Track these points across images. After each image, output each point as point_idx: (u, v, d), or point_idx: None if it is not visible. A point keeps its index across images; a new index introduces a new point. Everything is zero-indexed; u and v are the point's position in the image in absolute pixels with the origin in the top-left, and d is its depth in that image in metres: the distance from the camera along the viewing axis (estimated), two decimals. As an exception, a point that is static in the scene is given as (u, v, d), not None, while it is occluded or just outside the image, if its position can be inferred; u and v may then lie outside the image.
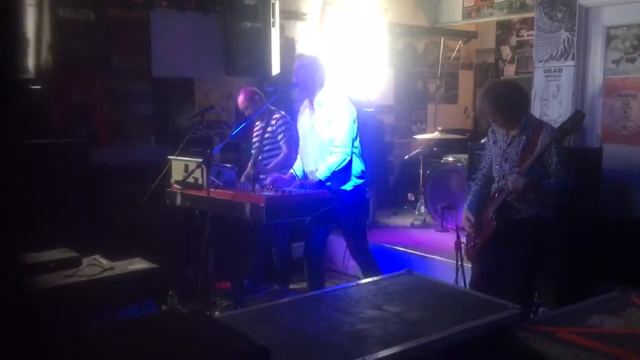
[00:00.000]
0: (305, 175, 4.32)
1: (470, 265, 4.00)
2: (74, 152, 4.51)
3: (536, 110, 5.40)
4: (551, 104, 5.44)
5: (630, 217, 4.79)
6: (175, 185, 4.26)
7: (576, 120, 3.37)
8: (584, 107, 5.24)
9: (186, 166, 4.13)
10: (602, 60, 5.26)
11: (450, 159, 6.49)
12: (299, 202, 3.88)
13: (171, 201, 4.33)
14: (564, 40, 5.35)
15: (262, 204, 3.67)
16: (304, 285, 4.76)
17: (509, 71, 8.63)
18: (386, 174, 7.36)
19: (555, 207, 3.55)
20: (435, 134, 6.98)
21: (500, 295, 2.81)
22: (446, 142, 7.16)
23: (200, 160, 3.79)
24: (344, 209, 4.18)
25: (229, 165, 4.28)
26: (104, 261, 3.19)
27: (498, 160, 3.62)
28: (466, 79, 8.97)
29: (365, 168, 4.36)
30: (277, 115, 5.01)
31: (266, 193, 3.87)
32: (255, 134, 5.14)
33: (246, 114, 5.04)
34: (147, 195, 4.05)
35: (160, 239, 4.43)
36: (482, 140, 5.44)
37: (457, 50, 8.49)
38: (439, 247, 5.52)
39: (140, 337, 1.94)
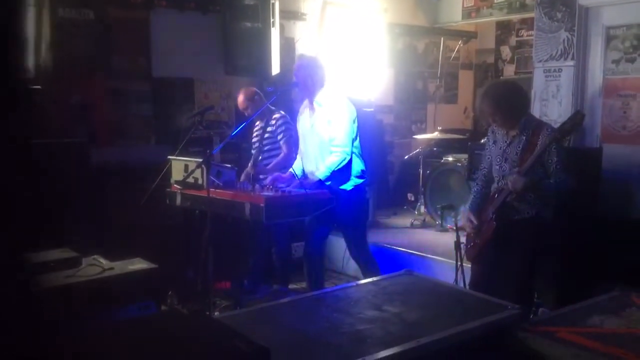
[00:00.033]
0: (305, 175, 4.31)
1: (469, 266, 4.00)
2: (74, 152, 4.50)
3: (536, 110, 5.40)
4: (551, 104, 5.44)
5: (630, 217, 4.78)
6: (175, 185, 4.26)
7: (576, 121, 3.37)
8: (584, 107, 5.24)
9: (186, 166, 4.13)
10: (601, 60, 5.26)
11: (450, 159, 6.48)
12: (298, 202, 3.88)
13: (171, 201, 4.33)
14: (563, 40, 5.35)
15: (261, 204, 3.67)
16: (304, 285, 4.76)
17: (509, 71, 8.63)
18: (386, 174, 7.37)
19: (555, 207, 3.55)
20: (435, 134, 6.98)
21: (500, 295, 2.81)
22: (446, 142, 7.16)
23: (200, 160, 3.79)
24: (344, 209, 4.18)
25: (229, 166, 4.29)
26: (103, 261, 3.19)
27: (498, 160, 3.62)
28: (466, 79, 8.97)
29: (365, 168, 4.36)
30: (276, 115, 5.01)
31: (266, 193, 3.87)
32: (255, 134, 5.14)
33: (246, 114, 5.04)
34: (147, 195, 4.06)
35: (160, 239, 4.42)
36: (482, 140, 5.44)
37: (457, 50, 8.49)
38: (438, 247, 5.51)
39: (140, 338, 1.94)
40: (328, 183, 4.16)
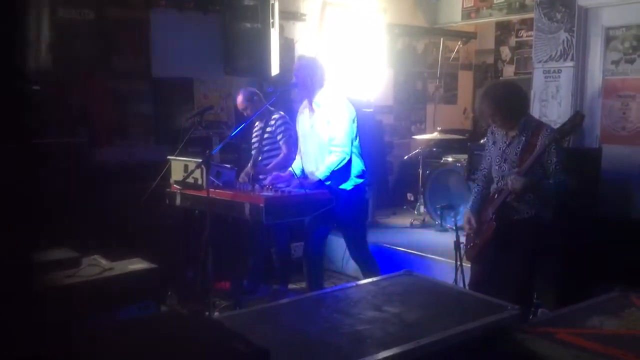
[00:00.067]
0: (305, 175, 4.32)
1: (469, 266, 4.00)
2: (74, 152, 4.51)
3: (535, 111, 5.40)
4: (550, 105, 5.45)
5: (630, 217, 4.79)
6: (174, 186, 4.26)
7: (576, 122, 3.38)
8: (583, 107, 5.24)
9: (186, 166, 4.13)
10: (601, 61, 5.26)
11: (450, 159, 6.49)
12: (298, 202, 3.88)
13: (171, 201, 4.33)
14: (563, 41, 5.35)
15: (261, 204, 3.67)
16: (303, 285, 4.76)
17: (508, 72, 8.63)
18: (385, 174, 7.37)
19: (554, 208, 3.56)
20: (435, 134, 6.98)
21: (499, 295, 2.81)
22: (445, 142, 7.17)
23: (200, 160, 3.79)
24: (343, 209, 4.18)
25: (229, 166, 4.29)
26: (103, 261, 3.19)
27: (497, 160, 3.62)
28: (465, 80, 8.97)
29: (365, 168, 4.36)
30: (276, 116, 5.01)
31: (265, 193, 3.88)
32: (254, 135, 5.14)
33: (245, 114, 5.04)
34: (147, 195, 4.05)
35: (160, 239, 4.43)
36: (482, 141, 5.44)
37: (457, 51, 8.50)
38: (438, 247, 5.52)
39: (140, 338, 1.94)
40: (328, 183, 4.16)
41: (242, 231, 4.73)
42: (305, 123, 4.35)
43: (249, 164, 4.95)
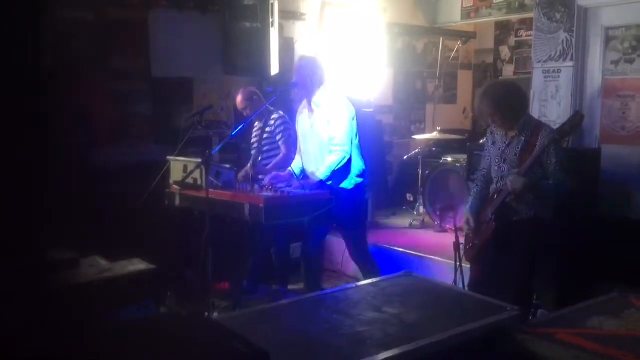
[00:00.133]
0: (305, 175, 4.31)
1: (469, 266, 4.00)
2: (74, 152, 4.50)
3: (535, 111, 5.40)
4: (550, 105, 5.45)
5: (629, 217, 4.79)
6: (174, 186, 4.26)
7: (575, 122, 3.38)
8: (583, 108, 5.24)
9: (185, 167, 4.13)
10: (601, 61, 5.26)
11: (449, 159, 6.49)
12: (298, 202, 3.88)
13: (170, 202, 4.33)
14: (562, 41, 5.35)
15: (261, 205, 3.67)
16: (303, 285, 4.76)
17: (508, 71, 8.63)
18: (385, 174, 7.36)
19: (554, 208, 3.56)
20: (434, 134, 6.98)
21: (499, 296, 2.81)
22: (445, 142, 7.16)
23: (199, 160, 3.79)
24: (343, 208, 4.18)
25: (228, 166, 4.29)
26: (102, 262, 3.18)
27: (497, 161, 3.62)
28: (465, 79, 8.97)
29: (365, 167, 4.36)
30: (275, 116, 5.01)
31: (265, 194, 3.87)
32: (254, 135, 5.14)
33: (245, 114, 5.04)
34: (146, 195, 4.05)
35: (159, 240, 4.42)
36: (481, 141, 5.44)
37: (456, 51, 8.50)
38: (437, 247, 5.52)
39: (139, 339, 1.93)
40: (329, 182, 4.16)
41: (242, 231, 4.72)
42: (305, 123, 4.35)
43: (249, 164, 4.94)
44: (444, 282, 3.45)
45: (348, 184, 4.25)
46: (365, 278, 4.08)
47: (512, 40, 8.56)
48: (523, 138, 3.49)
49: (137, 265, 3.17)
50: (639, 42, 5.04)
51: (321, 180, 4.12)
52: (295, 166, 4.42)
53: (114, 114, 5.42)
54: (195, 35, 5.78)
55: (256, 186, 4.07)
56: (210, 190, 3.76)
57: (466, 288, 3.83)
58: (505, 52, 8.68)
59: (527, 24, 7.85)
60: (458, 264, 4.16)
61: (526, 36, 8.11)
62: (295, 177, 4.28)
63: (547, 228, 3.55)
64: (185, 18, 5.74)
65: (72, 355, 1.78)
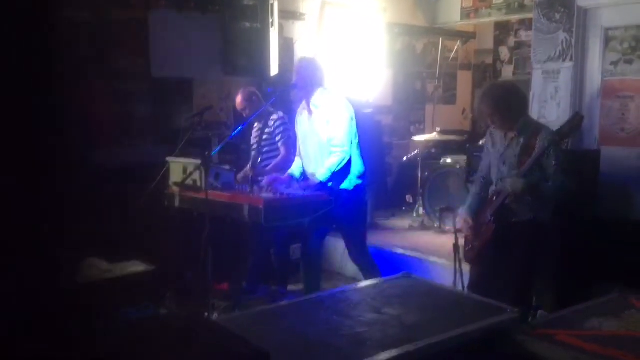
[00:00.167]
0: (306, 177, 4.31)
1: (468, 267, 3.99)
2: (73, 152, 4.49)
3: (534, 111, 5.40)
4: (549, 106, 5.44)
5: (628, 218, 4.79)
6: (173, 187, 4.25)
7: (574, 123, 3.38)
8: (582, 108, 5.24)
9: (184, 168, 4.13)
10: (600, 61, 5.26)
11: (449, 160, 6.48)
12: (297, 204, 3.88)
13: (170, 203, 4.32)
14: (562, 42, 5.35)
15: (260, 206, 3.67)
16: (302, 286, 4.76)
17: (507, 72, 8.63)
18: (384, 176, 7.36)
19: (553, 210, 3.56)
20: (434, 135, 6.97)
21: (498, 297, 2.81)
22: (444, 143, 7.16)
23: (199, 162, 3.79)
24: (343, 209, 4.18)
25: (227, 167, 4.29)
26: (102, 263, 3.18)
27: (496, 162, 3.62)
28: (464, 80, 8.97)
29: (365, 169, 4.36)
30: (274, 117, 5.00)
31: (265, 195, 3.87)
32: (253, 135, 5.14)
33: (244, 114, 5.03)
34: (146, 196, 4.05)
35: (159, 241, 4.42)
36: (481, 142, 5.44)
37: (456, 51, 8.50)
38: (437, 249, 5.51)
39: (138, 341, 1.93)
40: (330, 184, 4.16)
41: (241, 232, 4.72)
42: (304, 124, 4.34)
43: (248, 165, 4.94)
44: (444, 284, 3.45)
45: (348, 185, 4.25)
46: (366, 279, 4.08)
47: (512, 40, 8.56)
48: (522, 139, 3.50)
49: (137, 266, 3.18)
50: (638, 43, 5.04)
51: (321, 182, 4.12)
52: (296, 168, 4.41)
53: (114, 114, 5.42)
54: (195, 36, 5.77)
55: (255, 187, 4.07)
56: (210, 191, 3.76)
57: (466, 289, 3.83)
58: (504, 52, 8.68)
59: (526, 24, 7.85)
60: (457, 265, 4.16)
61: (526, 37, 8.11)
62: (295, 179, 4.28)
63: (546, 229, 3.55)
64: (185, 18, 5.73)
65: (71, 356, 1.78)
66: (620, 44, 5.15)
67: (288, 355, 2.16)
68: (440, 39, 8.19)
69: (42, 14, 1.64)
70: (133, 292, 3.04)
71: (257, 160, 4.89)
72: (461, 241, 3.96)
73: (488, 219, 3.59)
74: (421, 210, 6.67)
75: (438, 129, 7.09)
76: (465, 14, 7.65)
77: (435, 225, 6.35)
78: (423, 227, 6.53)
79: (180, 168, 4.18)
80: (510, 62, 8.61)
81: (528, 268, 3.57)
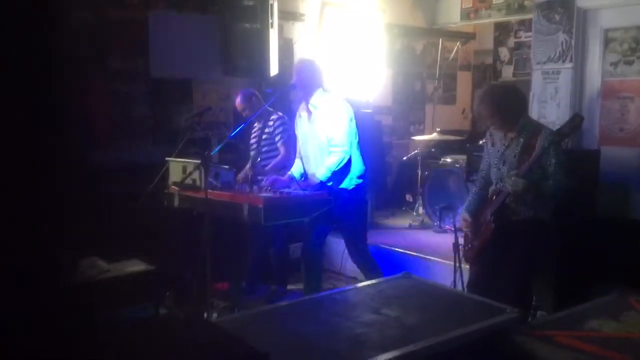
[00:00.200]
0: (306, 177, 4.32)
1: (468, 267, 4.00)
2: (72, 152, 4.49)
3: (534, 112, 5.40)
4: (549, 106, 5.45)
5: (628, 218, 4.80)
6: (172, 187, 4.25)
7: (574, 124, 3.38)
8: (582, 109, 5.25)
9: (184, 167, 4.12)
10: (600, 62, 5.26)
11: (449, 160, 6.49)
12: (297, 203, 3.88)
13: (169, 203, 4.32)
14: (562, 43, 5.35)
15: (260, 206, 3.67)
16: (302, 286, 4.76)
17: (507, 72, 8.63)
18: (384, 175, 7.36)
19: (553, 209, 3.56)
20: (434, 135, 6.98)
21: (498, 297, 2.82)
22: (444, 143, 7.17)
23: (198, 161, 3.78)
24: (344, 209, 4.18)
25: (227, 167, 4.28)
26: (101, 263, 3.19)
27: (496, 162, 3.63)
28: (464, 80, 8.97)
29: (365, 169, 4.36)
30: (274, 117, 5.01)
31: (264, 194, 3.87)
32: (253, 136, 5.14)
33: (244, 115, 5.04)
34: (145, 196, 4.05)
35: (158, 241, 4.42)
36: (480, 142, 5.45)
37: (455, 51, 8.49)
38: (436, 248, 5.51)
39: (137, 342, 1.93)
40: (330, 183, 4.16)
41: (241, 232, 4.72)
42: (304, 126, 4.35)
43: (248, 165, 4.94)
44: (443, 284, 3.45)
45: (348, 184, 4.25)
46: (367, 278, 4.09)
47: (512, 41, 8.55)
48: (522, 140, 3.50)
49: (136, 266, 3.18)
50: (638, 44, 5.04)
51: (321, 182, 4.12)
52: (296, 170, 4.41)
53: (113, 115, 5.42)
54: (194, 36, 5.77)
55: (255, 187, 4.07)
56: (209, 191, 3.75)
57: (465, 288, 3.83)
58: (504, 53, 8.68)
59: (526, 25, 7.85)
60: (457, 264, 4.16)
61: (525, 37, 8.11)
62: (295, 181, 4.28)
63: (546, 229, 3.55)
64: (185, 18, 5.73)
65: (71, 356, 1.78)
66: (620, 45, 5.15)
67: (287, 356, 2.17)
68: (440, 39, 8.18)
69: (42, 13, 1.64)
70: (132, 292, 3.04)
71: (257, 160, 4.89)
72: (461, 240, 3.97)
73: (488, 218, 3.59)
74: (421, 210, 6.68)
75: (438, 129, 7.09)
76: (465, 14, 7.64)
77: (435, 225, 6.36)
78: (423, 227, 6.53)
79: (179, 168, 4.18)
80: (510, 62, 8.61)
81: (528, 268, 3.57)
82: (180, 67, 5.72)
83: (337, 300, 2.81)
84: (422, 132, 7.99)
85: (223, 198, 3.93)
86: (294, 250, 5.49)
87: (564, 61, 5.35)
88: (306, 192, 4.04)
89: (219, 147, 4.28)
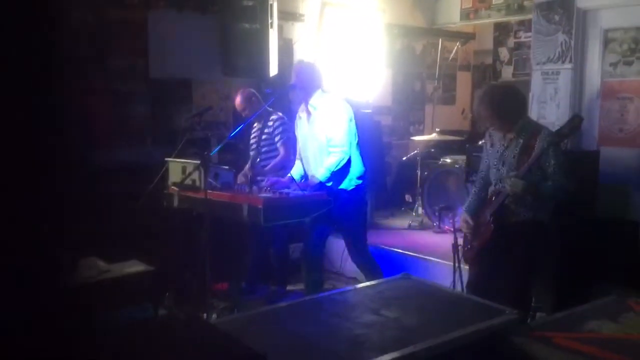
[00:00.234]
0: (306, 179, 4.32)
1: (467, 267, 4.00)
2: (72, 152, 4.49)
3: (534, 112, 5.41)
4: (549, 107, 5.45)
5: (628, 219, 4.80)
6: (172, 187, 4.25)
7: (574, 124, 3.39)
8: (582, 109, 5.25)
9: (183, 168, 4.12)
10: (599, 63, 5.27)
11: (448, 160, 6.48)
12: (296, 203, 3.89)
13: (168, 203, 4.32)
14: (561, 43, 5.35)
15: (259, 206, 3.67)
16: (302, 286, 4.76)
17: (507, 73, 8.63)
18: (383, 175, 7.36)
19: (552, 210, 3.56)
20: (433, 135, 6.97)
21: (497, 298, 2.82)
22: (444, 143, 7.16)
23: (198, 161, 3.79)
24: (343, 210, 4.18)
25: (227, 167, 4.28)
26: (101, 263, 3.18)
27: (495, 163, 3.63)
28: (464, 80, 8.98)
29: (365, 169, 4.36)
30: (274, 117, 5.01)
31: (264, 195, 3.88)
32: (252, 136, 5.14)
33: (243, 115, 5.04)
34: (145, 196, 4.05)
35: (158, 241, 4.42)
36: (480, 142, 5.45)
37: (455, 52, 8.50)
38: (436, 248, 5.51)
39: (136, 343, 1.94)
40: (329, 184, 4.16)
41: (240, 232, 4.72)
42: (304, 126, 4.35)
43: (247, 165, 4.94)
44: (442, 285, 3.45)
45: (348, 185, 4.25)
46: (367, 279, 4.09)
47: (511, 41, 8.55)
48: (521, 140, 3.50)
49: (136, 266, 3.18)
50: (638, 45, 5.05)
51: (321, 182, 4.12)
52: (296, 172, 4.41)
53: (112, 115, 5.42)
54: (194, 36, 5.77)
55: (255, 187, 4.07)
56: (209, 191, 3.75)
57: (464, 289, 3.83)
58: (504, 53, 8.68)
59: (526, 25, 7.85)
60: (456, 265, 4.16)
61: (525, 37, 8.11)
62: (295, 182, 4.28)
63: (545, 230, 3.55)
64: (185, 18, 5.73)
65: (70, 356, 1.78)
66: (620, 45, 5.15)
67: (287, 356, 2.17)
68: (440, 39, 8.18)
69: (42, 13, 1.64)
70: (132, 292, 3.03)
71: (256, 160, 4.90)
72: (460, 241, 3.97)
73: (487, 219, 3.59)
74: (420, 210, 6.68)
75: (437, 130, 7.09)
76: (465, 14, 7.64)
77: (434, 225, 6.35)
78: (422, 227, 6.52)
79: (179, 168, 4.18)
80: (509, 62, 8.61)
81: (527, 268, 3.57)
82: (180, 67, 5.72)
83: (336, 301, 2.81)
84: (421, 133, 7.99)
85: (223, 198, 3.93)
86: (294, 251, 5.49)
87: (563, 62, 5.35)
88: (305, 192, 4.04)
89: (219, 147, 4.29)
